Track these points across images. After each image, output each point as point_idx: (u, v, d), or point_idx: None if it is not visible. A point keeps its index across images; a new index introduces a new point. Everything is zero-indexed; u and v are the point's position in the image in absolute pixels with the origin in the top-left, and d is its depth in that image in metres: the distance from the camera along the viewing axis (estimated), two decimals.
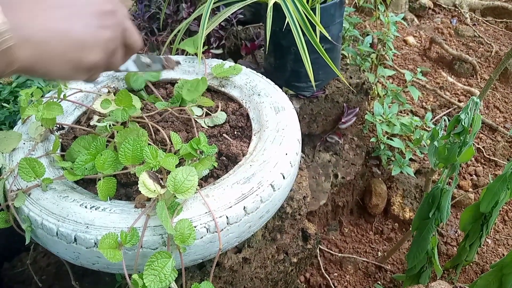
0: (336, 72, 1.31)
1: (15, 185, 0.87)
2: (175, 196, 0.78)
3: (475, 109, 1.09)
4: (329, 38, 1.29)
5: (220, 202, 0.83)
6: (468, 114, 1.10)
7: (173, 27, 2.05)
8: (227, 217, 0.82)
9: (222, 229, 0.82)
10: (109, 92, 1.15)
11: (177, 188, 0.77)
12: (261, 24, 1.99)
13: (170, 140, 1.00)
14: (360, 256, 1.85)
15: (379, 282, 1.76)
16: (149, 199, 0.85)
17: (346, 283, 1.77)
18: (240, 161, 0.96)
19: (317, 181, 1.78)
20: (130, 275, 0.76)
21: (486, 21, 3.19)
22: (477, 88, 2.58)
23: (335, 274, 1.80)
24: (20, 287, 1.49)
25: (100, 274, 1.27)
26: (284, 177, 0.91)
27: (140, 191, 0.88)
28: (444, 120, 1.21)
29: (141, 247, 0.77)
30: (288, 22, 1.23)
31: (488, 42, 2.91)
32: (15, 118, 1.43)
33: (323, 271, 1.78)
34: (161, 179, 0.81)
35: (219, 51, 1.91)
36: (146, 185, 0.75)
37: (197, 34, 1.45)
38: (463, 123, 1.11)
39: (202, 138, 0.90)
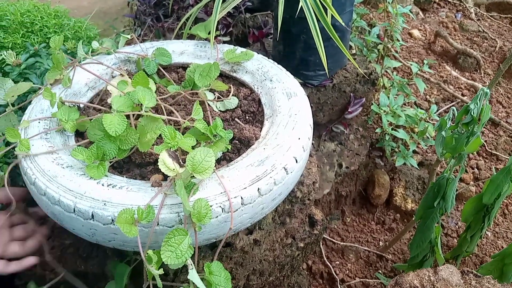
0: (349, 57, 1.32)
1: (31, 163, 0.89)
2: (192, 176, 0.79)
3: (484, 99, 1.11)
4: (343, 24, 1.30)
5: (235, 183, 0.84)
6: (477, 104, 1.11)
7: (179, 14, 2.04)
8: (241, 198, 0.83)
9: (237, 210, 0.83)
10: (121, 74, 1.15)
11: (196, 168, 0.78)
12: (269, 12, 1.99)
13: (183, 122, 1.01)
14: (361, 245, 1.88)
15: (380, 271, 1.79)
16: (165, 179, 0.86)
17: (347, 271, 1.80)
18: (253, 144, 0.97)
19: (322, 170, 1.80)
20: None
21: (490, 16, 3.19)
22: (480, 82, 2.59)
23: (337, 262, 1.82)
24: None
25: (107, 256, 1.28)
26: (296, 161, 0.92)
27: (155, 171, 0.90)
28: (453, 110, 1.23)
29: (158, 224, 0.78)
30: (300, 8, 1.24)
31: (492, 37, 2.92)
32: (24, 99, 1.44)
33: (325, 259, 1.81)
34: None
35: (227, 39, 1.91)
36: (166, 163, 0.77)
37: (208, 19, 1.46)
38: (472, 113, 1.12)
39: (219, 123, 0.92)
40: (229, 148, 0.96)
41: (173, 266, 0.75)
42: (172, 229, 0.76)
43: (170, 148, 0.81)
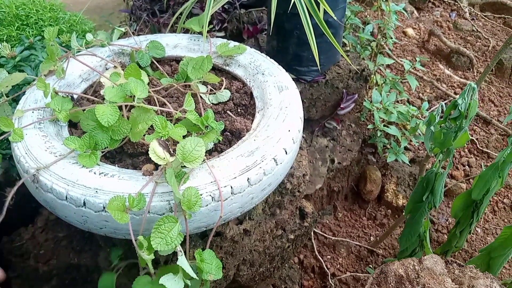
0: (341, 52, 1.34)
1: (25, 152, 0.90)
2: (183, 165, 0.81)
3: (472, 95, 1.13)
4: (335, 18, 1.32)
5: (225, 173, 0.86)
6: (465, 100, 1.13)
7: (174, 9, 2.05)
8: (231, 187, 0.85)
9: (227, 199, 0.85)
10: (115, 66, 1.17)
11: (186, 157, 0.79)
12: (263, 8, 2.01)
13: (175, 113, 1.02)
14: (353, 240, 1.90)
15: (371, 266, 1.81)
16: (156, 169, 0.88)
17: (338, 266, 1.82)
18: (243, 136, 0.99)
19: (314, 165, 1.82)
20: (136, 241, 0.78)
21: (484, 16, 3.22)
22: (473, 81, 2.62)
23: (328, 256, 1.85)
24: (19, 260, 1.50)
25: (100, 249, 1.30)
26: (286, 152, 0.94)
27: (146, 161, 0.92)
28: (442, 105, 1.25)
29: (149, 212, 0.80)
30: (293, 4, 1.25)
31: (485, 37, 2.95)
32: (18, 90, 1.44)
33: (317, 253, 1.83)
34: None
35: (221, 34, 1.92)
36: (156, 152, 0.78)
37: (202, 13, 1.47)
38: (460, 108, 1.14)
39: (211, 114, 0.93)
40: (220, 140, 0.98)
41: (163, 253, 0.76)
42: (163, 216, 0.77)
43: (161, 138, 0.83)
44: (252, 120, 1.05)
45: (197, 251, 0.83)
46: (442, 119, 1.26)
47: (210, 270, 0.82)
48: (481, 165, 2.23)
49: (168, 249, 0.75)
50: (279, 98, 1.06)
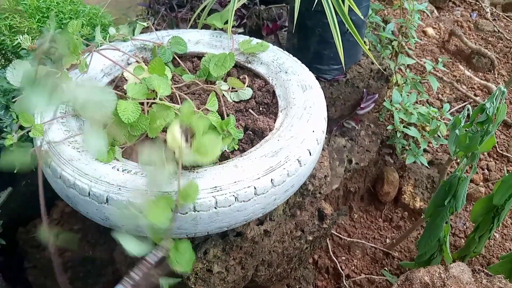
0: (366, 51, 1.32)
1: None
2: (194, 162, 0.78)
3: (501, 98, 1.09)
4: (362, 18, 1.29)
5: (249, 173, 0.84)
6: (493, 103, 1.10)
7: (193, 4, 2.04)
8: (255, 188, 0.83)
9: (250, 199, 0.83)
10: (138, 61, 1.16)
11: (199, 148, 0.76)
12: (283, 4, 1.98)
13: (198, 112, 1.01)
14: (368, 242, 1.88)
15: (386, 268, 1.79)
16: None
17: (353, 267, 1.80)
18: (266, 135, 0.97)
19: (331, 165, 1.79)
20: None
21: (506, 16, 3.15)
22: (494, 83, 2.56)
23: (343, 257, 1.83)
24: (34, 251, 1.51)
25: (115, 243, 1.29)
26: (310, 154, 0.92)
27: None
28: (468, 108, 1.22)
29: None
30: (317, 1, 1.23)
31: (507, 37, 2.89)
32: None
33: (331, 254, 1.81)
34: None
35: (240, 30, 1.90)
36: (174, 134, 0.75)
37: (225, 9, 1.45)
38: (487, 112, 1.11)
39: (232, 120, 0.92)
40: (236, 148, 0.96)
41: None
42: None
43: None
44: (275, 119, 1.03)
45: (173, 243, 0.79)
46: (467, 122, 1.23)
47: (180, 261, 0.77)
48: (500, 169, 2.18)
49: None
50: (303, 97, 1.05)
